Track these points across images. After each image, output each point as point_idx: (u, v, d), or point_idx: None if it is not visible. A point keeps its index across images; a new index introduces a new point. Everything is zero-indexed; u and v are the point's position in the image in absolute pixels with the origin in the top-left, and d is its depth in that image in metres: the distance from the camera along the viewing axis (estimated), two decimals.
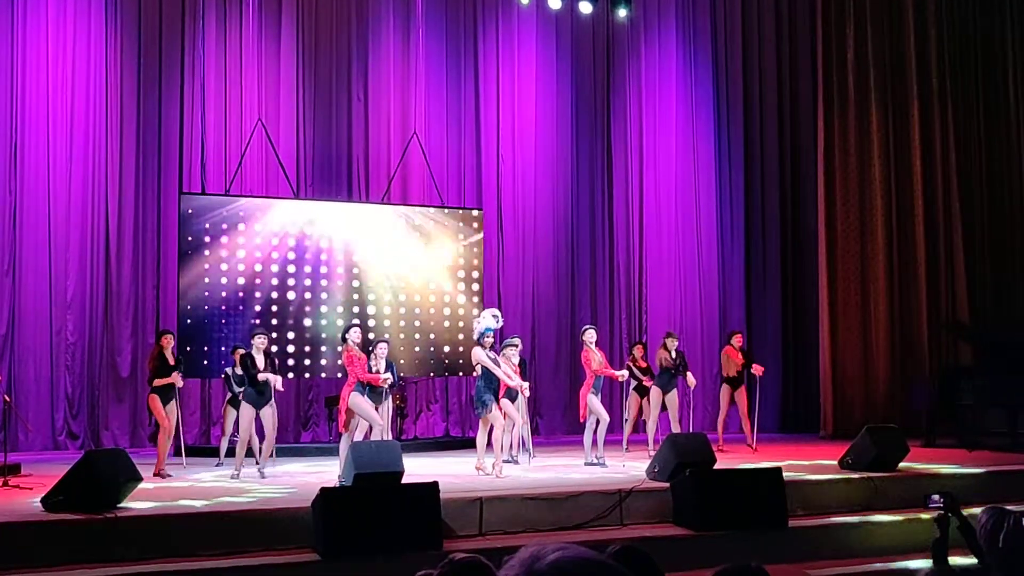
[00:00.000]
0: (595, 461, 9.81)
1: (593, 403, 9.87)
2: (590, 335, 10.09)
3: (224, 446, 10.60)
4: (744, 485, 7.56)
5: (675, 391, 10.94)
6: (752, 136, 15.01)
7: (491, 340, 9.20)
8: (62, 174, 12.20)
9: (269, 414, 9.26)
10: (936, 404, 11.86)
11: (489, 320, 9.38)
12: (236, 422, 10.17)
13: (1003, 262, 14.20)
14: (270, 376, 9.20)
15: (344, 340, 9.34)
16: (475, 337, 9.32)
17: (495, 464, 8.85)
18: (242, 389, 9.60)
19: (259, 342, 9.42)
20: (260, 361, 9.30)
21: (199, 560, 6.22)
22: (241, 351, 9.94)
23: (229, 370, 10.47)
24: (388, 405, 9.94)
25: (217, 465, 10.27)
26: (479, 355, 9.07)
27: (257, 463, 9.87)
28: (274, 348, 10.71)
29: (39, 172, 12.11)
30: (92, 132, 12.40)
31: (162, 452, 9.30)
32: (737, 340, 11.63)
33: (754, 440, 11.22)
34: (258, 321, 11.85)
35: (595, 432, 9.97)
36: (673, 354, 10.93)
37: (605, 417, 9.94)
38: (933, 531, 4.89)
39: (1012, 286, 14.13)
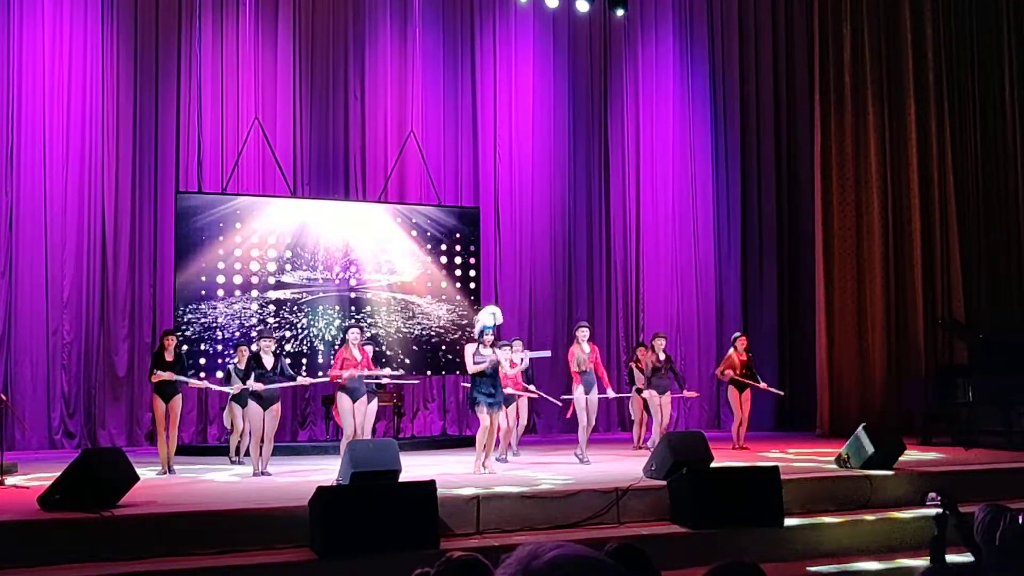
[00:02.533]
0: (587, 460, 9.71)
1: (578, 401, 9.89)
2: (581, 332, 10.09)
3: (234, 444, 10.53)
4: (741, 483, 7.55)
5: (668, 393, 10.90)
6: (749, 135, 15.02)
7: (491, 338, 9.11)
8: (58, 174, 12.18)
9: (273, 415, 9.22)
10: (932, 403, 11.88)
11: (486, 318, 9.30)
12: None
13: (999, 260, 14.20)
14: (294, 379, 9.20)
15: (344, 340, 9.40)
16: (475, 335, 9.23)
17: (475, 461, 8.88)
18: (245, 385, 9.54)
19: (265, 345, 9.36)
20: (268, 362, 9.23)
21: (196, 559, 6.21)
22: (245, 349, 9.88)
23: (231, 366, 10.44)
24: (374, 406, 10.00)
25: (232, 463, 10.25)
26: (467, 351, 9.10)
27: (234, 460, 9.98)
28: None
29: (35, 172, 12.09)
30: (88, 131, 12.38)
31: (162, 455, 9.39)
32: (741, 343, 11.53)
33: (742, 441, 11.25)
34: (255, 320, 11.89)
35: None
36: (661, 355, 10.91)
37: (582, 419, 9.89)
38: (931, 529, 4.89)
39: (1008, 285, 14.14)
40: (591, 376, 9.96)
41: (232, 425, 10.55)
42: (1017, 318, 13.83)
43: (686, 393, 11.39)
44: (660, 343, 11.05)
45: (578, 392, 9.93)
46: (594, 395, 9.94)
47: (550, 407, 13.66)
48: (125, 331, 12.37)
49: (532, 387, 10.83)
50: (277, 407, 9.29)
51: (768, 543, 6.96)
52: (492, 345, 9.10)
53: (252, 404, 9.26)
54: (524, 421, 10.97)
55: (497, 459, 10.10)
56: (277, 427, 9.43)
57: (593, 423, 9.99)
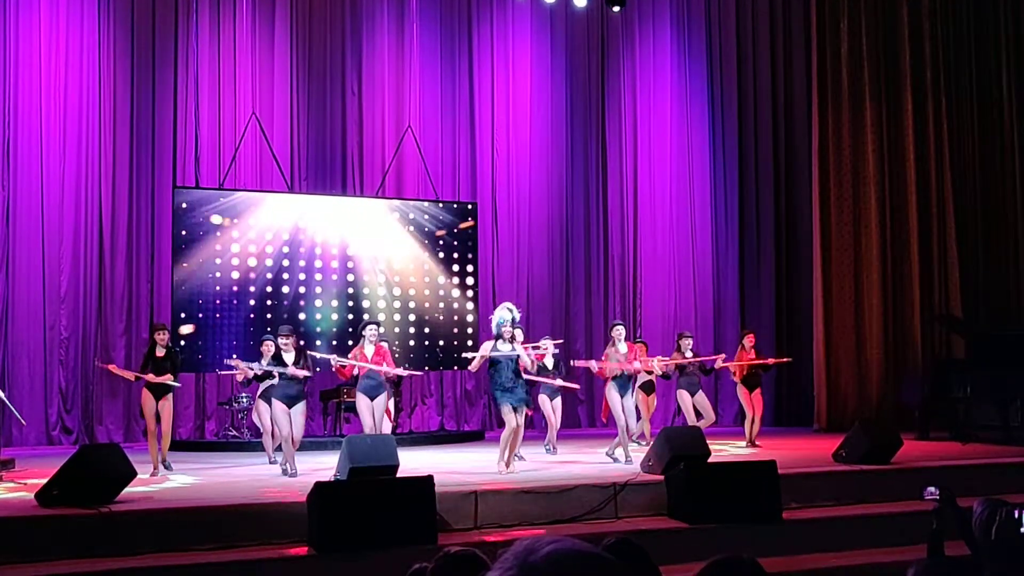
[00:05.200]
0: (630, 460, 9.17)
1: (613, 403, 9.43)
2: (617, 331, 9.68)
3: (267, 444, 10.12)
4: (738, 478, 7.56)
5: (701, 391, 10.77)
6: (746, 129, 15.02)
7: (509, 332, 8.74)
8: (55, 168, 12.17)
9: (300, 413, 9.00)
10: (929, 398, 11.90)
11: (502, 313, 8.86)
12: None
13: (996, 256, 14.22)
14: (296, 371, 8.95)
15: (361, 336, 9.33)
16: (493, 332, 8.84)
17: (499, 461, 8.59)
18: (272, 382, 9.37)
19: (283, 342, 9.11)
20: (289, 360, 8.99)
21: (194, 555, 6.21)
22: (271, 344, 9.71)
23: (257, 364, 10.13)
24: (383, 400, 9.90)
25: (272, 463, 9.83)
26: (483, 348, 8.85)
27: (272, 460, 9.88)
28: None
29: (32, 166, 12.08)
30: (85, 126, 12.36)
31: (152, 455, 9.01)
32: (749, 340, 11.21)
33: (753, 438, 11.14)
34: (253, 316, 11.89)
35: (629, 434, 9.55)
36: (688, 355, 10.79)
37: (622, 422, 9.35)
38: (929, 523, 4.90)
39: (1005, 280, 14.16)
40: (628, 379, 9.53)
41: (262, 425, 10.19)
42: (1014, 314, 13.85)
43: (718, 361, 11.11)
44: (687, 343, 10.85)
45: (614, 396, 9.45)
46: (629, 400, 9.53)
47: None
48: (122, 327, 12.36)
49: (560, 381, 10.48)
50: (302, 406, 9.04)
51: (765, 538, 6.96)
52: (512, 340, 8.76)
53: (276, 404, 8.99)
54: (558, 422, 10.56)
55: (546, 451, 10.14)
56: (302, 431, 9.17)
57: (634, 428, 9.52)
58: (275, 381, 9.13)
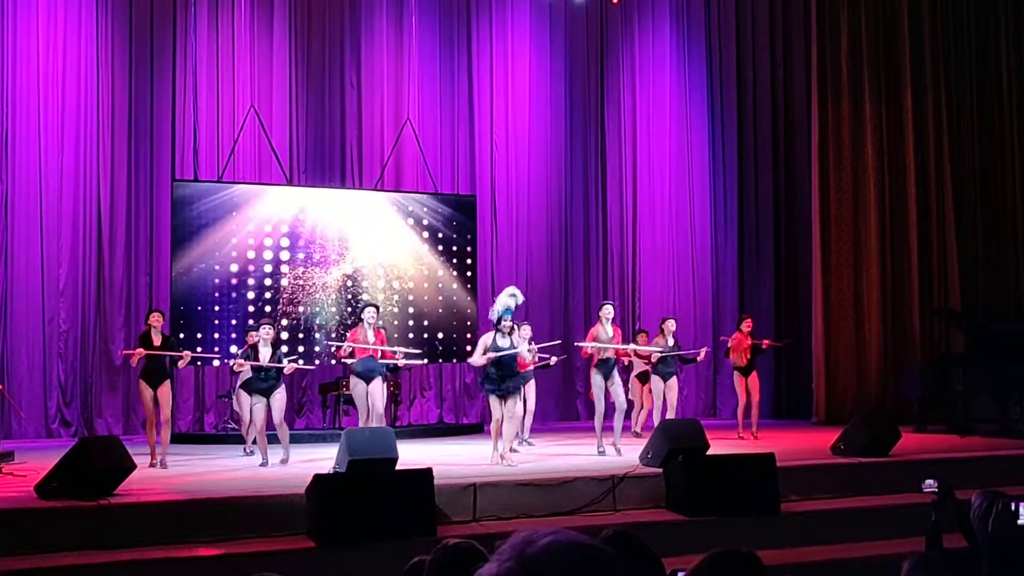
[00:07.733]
0: (603, 450, 9.32)
1: (595, 385, 9.54)
2: (605, 311, 9.59)
3: (246, 434, 10.22)
4: (736, 471, 7.58)
5: (674, 378, 10.86)
6: (746, 123, 15.00)
7: (509, 325, 8.56)
8: (54, 162, 12.15)
9: (277, 401, 9.08)
10: (928, 391, 11.90)
11: (505, 301, 8.60)
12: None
13: (995, 250, 14.21)
14: (288, 365, 9.16)
15: (359, 320, 9.32)
16: (493, 321, 8.68)
17: (496, 452, 8.62)
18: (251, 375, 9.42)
19: (264, 333, 9.19)
20: (265, 354, 9.06)
21: (193, 547, 6.22)
22: (255, 335, 9.76)
23: (239, 352, 10.20)
24: (379, 384, 9.91)
25: (246, 454, 9.98)
26: (481, 340, 8.79)
27: (247, 452, 9.89)
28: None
29: (30, 159, 12.06)
30: (83, 119, 12.35)
31: (150, 442, 9.02)
32: (747, 325, 11.17)
33: (755, 429, 11.13)
34: (252, 309, 11.88)
35: (612, 418, 9.59)
36: (670, 340, 10.87)
37: (600, 407, 9.56)
38: (927, 515, 4.90)
39: (1004, 274, 14.15)
40: (611, 363, 9.53)
41: (241, 413, 10.29)
42: (1013, 308, 13.85)
43: (700, 354, 11.24)
44: (670, 325, 10.95)
45: (597, 379, 9.51)
46: (617, 382, 9.51)
47: (544, 394, 13.54)
48: (122, 320, 12.36)
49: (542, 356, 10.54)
50: (279, 394, 9.13)
51: (764, 530, 6.97)
52: (510, 333, 8.60)
53: (254, 396, 9.10)
54: (532, 407, 10.59)
55: (523, 442, 10.14)
56: (282, 415, 9.29)
57: (625, 408, 9.58)
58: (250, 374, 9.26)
